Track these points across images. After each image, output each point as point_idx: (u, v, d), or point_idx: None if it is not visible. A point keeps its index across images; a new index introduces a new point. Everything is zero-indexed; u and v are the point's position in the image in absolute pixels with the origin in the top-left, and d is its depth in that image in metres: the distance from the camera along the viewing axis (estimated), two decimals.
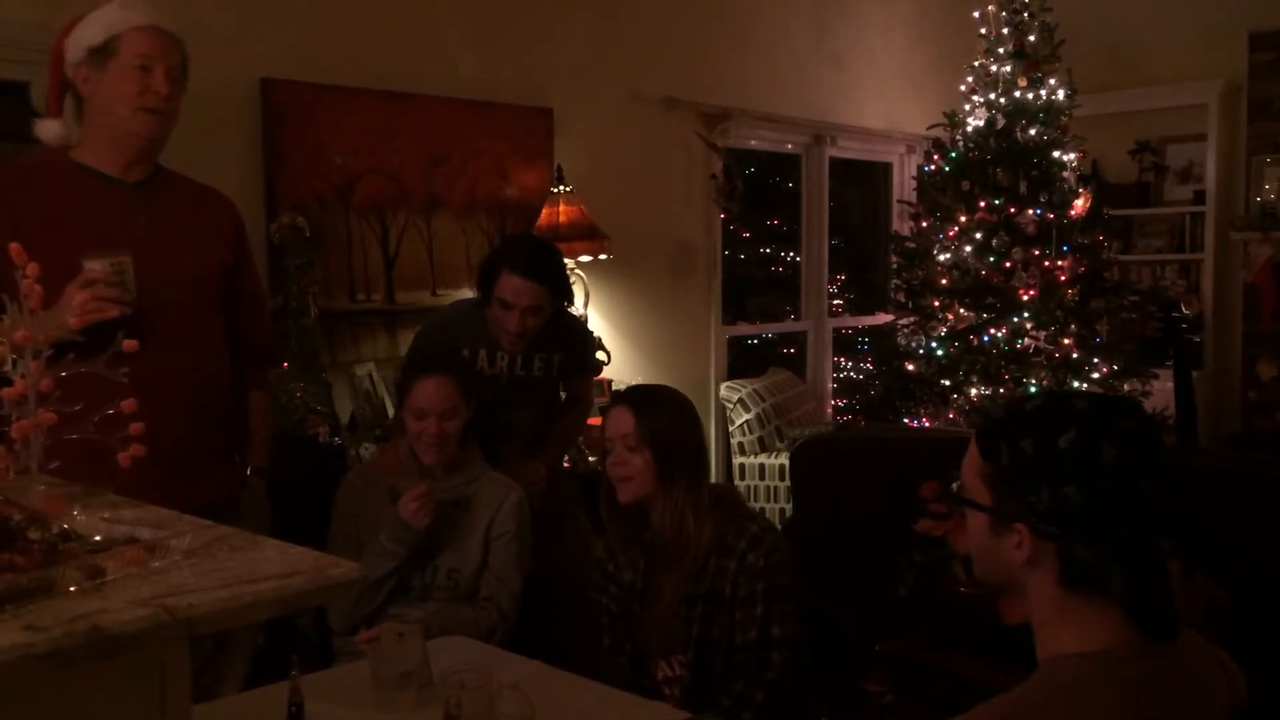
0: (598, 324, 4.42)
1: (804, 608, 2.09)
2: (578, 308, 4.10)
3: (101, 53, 2.06)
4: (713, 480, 2.36)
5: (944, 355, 4.73)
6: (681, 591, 2.08)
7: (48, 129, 2.16)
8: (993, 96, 4.80)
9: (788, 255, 5.99)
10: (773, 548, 2.06)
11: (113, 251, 1.98)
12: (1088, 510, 1.15)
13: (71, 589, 0.92)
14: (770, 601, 2.02)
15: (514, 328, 2.73)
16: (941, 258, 4.81)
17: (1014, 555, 1.20)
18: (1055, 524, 1.16)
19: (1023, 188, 4.62)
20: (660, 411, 2.15)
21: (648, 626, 2.14)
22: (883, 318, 5.79)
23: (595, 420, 4.01)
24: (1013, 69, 4.78)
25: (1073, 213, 4.70)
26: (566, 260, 3.94)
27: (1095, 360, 4.65)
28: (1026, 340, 4.60)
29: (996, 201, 4.66)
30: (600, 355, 4.14)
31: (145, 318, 1.96)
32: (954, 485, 1.29)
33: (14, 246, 1.28)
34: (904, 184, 6.18)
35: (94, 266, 1.94)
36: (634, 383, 4.57)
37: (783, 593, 2.04)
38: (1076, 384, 4.56)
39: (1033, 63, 4.77)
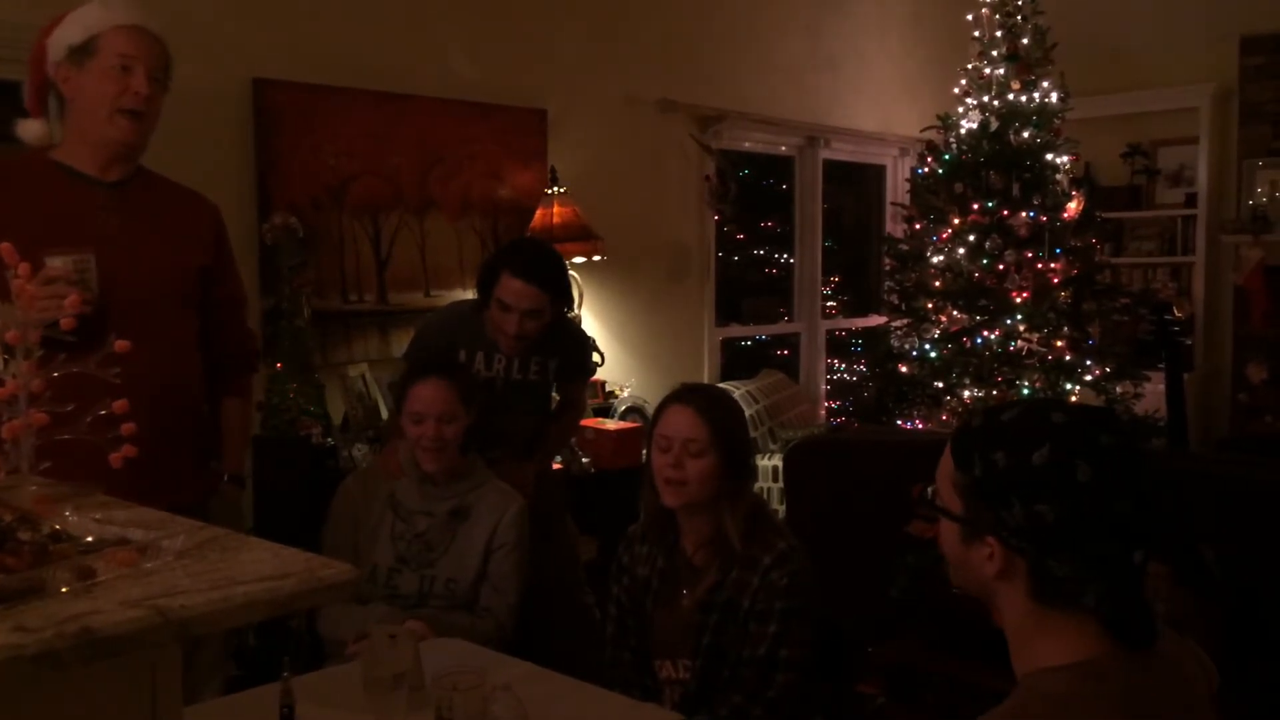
0: (591, 325, 4.42)
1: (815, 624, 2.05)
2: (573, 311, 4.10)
3: (82, 52, 2.04)
4: None
5: (937, 357, 4.74)
6: (699, 598, 2.06)
7: (29, 129, 2.14)
8: (986, 99, 4.81)
9: (781, 257, 5.99)
10: (798, 568, 2.02)
11: (75, 249, 1.96)
12: (1061, 528, 1.13)
13: (63, 590, 0.91)
14: (785, 622, 1.99)
15: (512, 330, 2.73)
16: (935, 260, 4.82)
17: (985, 567, 1.18)
18: (1027, 539, 1.14)
19: (1015, 190, 4.64)
20: (728, 416, 2.10)
21: (657, 626, 2.12)
22: (876, 320, 5.80)
23: (589, 421, 4.03)
24: (1006, 72, 4.80)
25: (1065, 215, 4.71)
26: None
27: (1088, 363, 4.66)
28: (1019, 343, 4.61)
29: (989, 204, 4.67)
30: (594, 357, 4.14)
31: (114, 317, 1.93)
32: (929, 490, 1.27)
33: (5, 246, 1.28)
34: (897, 186, 6.19)
35: (55, 263, 1.92)
36: (629, 384, 4.58)
37: (799, 615, 2.00)
38: (1069, 386, 4.58)
39: (1025, 66, 4.79)
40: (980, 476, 1.17)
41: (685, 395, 2.11)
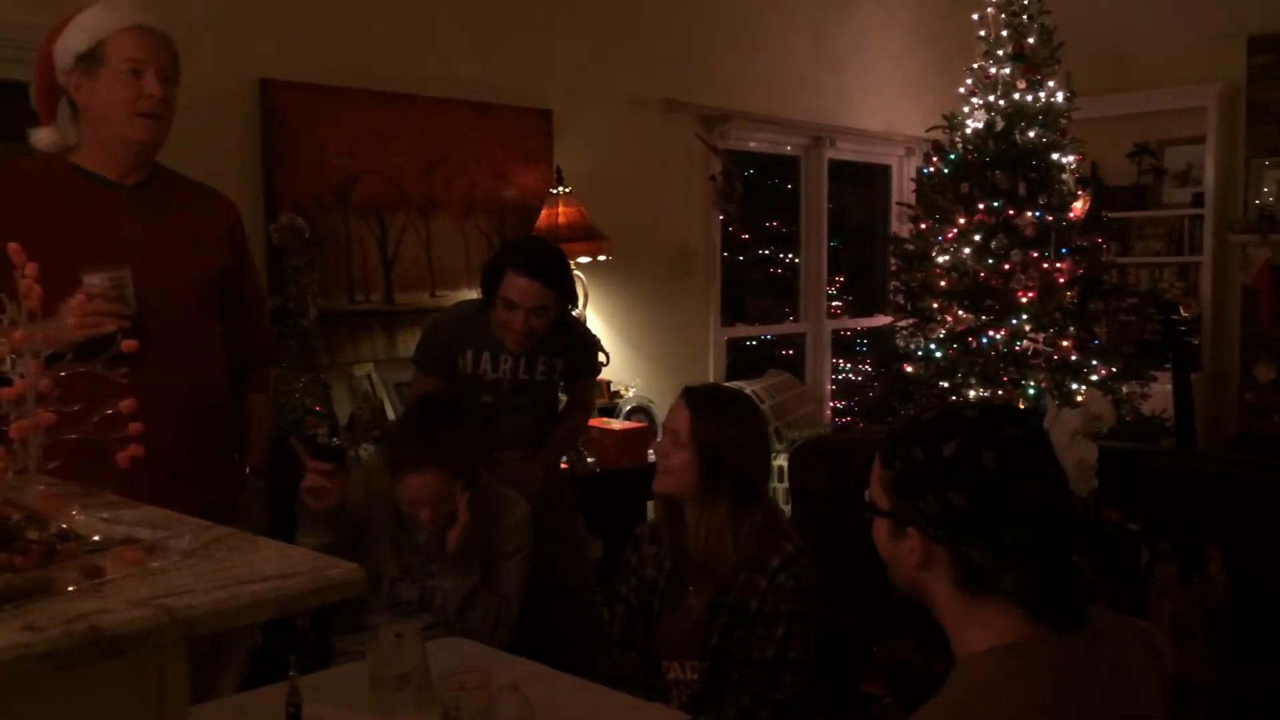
0: (597, 325, 4.42)
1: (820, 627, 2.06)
2: (577, 309, 4.10)
3: (90, 59, 2.04)
4: None
5: (942, 357, 4.73)
6: (706, 600, 2.07)
7: (42, 137, 2.15)
8: (992, 99, 4.80)
9: (787, 257, 5.99)
10: (804, 570, 2.03)
11: (112, 266, 1.98)
12: (972, 515, 1.20)
13: (70, 589, 0.92)
14: (792, 624, 2.00)
15: (519, 328, 2.73)
16: (940, 260, 4.81)
17: (910, 558, 1.26)
18: (943, 528, 1.22)
19: (1022, 190, 4.63)
20: (722, 423, 2.08)
21: (665, 627, 2.13)
22: (881, 320, 5.79)
23: (595, 421, 4.03)
24: (1012, 71, 4.79)
25: (1071, 215, 4.70)
26: None
27: (1094, 363, 4.65)
28: (1025, 342, 4.60)
29: (995, 204, 4.66)
30: (600, 356, 4.14)
31: (142, 321, 1.95)
32: (865, 492, 1.35)
33: (13, 246, 1.28)
34: (903, 186, 6.18)
35: (93, 281, 1.94)
36: (634, 384, 4.58)
37: (805, 618, 2.01)
38: (1075, 386, 4.57)
39: (1032, 65, 4.78)
40: (900, 471, 1.27)
41: (690, 393, 2.16)
